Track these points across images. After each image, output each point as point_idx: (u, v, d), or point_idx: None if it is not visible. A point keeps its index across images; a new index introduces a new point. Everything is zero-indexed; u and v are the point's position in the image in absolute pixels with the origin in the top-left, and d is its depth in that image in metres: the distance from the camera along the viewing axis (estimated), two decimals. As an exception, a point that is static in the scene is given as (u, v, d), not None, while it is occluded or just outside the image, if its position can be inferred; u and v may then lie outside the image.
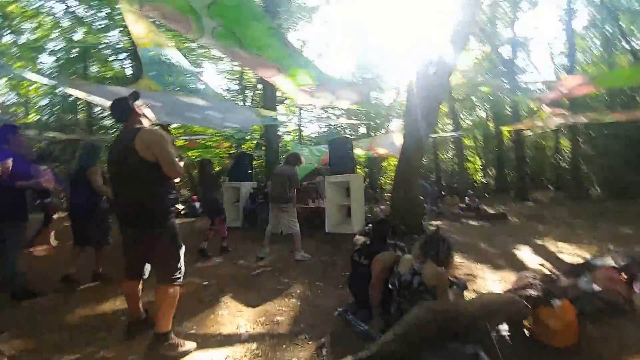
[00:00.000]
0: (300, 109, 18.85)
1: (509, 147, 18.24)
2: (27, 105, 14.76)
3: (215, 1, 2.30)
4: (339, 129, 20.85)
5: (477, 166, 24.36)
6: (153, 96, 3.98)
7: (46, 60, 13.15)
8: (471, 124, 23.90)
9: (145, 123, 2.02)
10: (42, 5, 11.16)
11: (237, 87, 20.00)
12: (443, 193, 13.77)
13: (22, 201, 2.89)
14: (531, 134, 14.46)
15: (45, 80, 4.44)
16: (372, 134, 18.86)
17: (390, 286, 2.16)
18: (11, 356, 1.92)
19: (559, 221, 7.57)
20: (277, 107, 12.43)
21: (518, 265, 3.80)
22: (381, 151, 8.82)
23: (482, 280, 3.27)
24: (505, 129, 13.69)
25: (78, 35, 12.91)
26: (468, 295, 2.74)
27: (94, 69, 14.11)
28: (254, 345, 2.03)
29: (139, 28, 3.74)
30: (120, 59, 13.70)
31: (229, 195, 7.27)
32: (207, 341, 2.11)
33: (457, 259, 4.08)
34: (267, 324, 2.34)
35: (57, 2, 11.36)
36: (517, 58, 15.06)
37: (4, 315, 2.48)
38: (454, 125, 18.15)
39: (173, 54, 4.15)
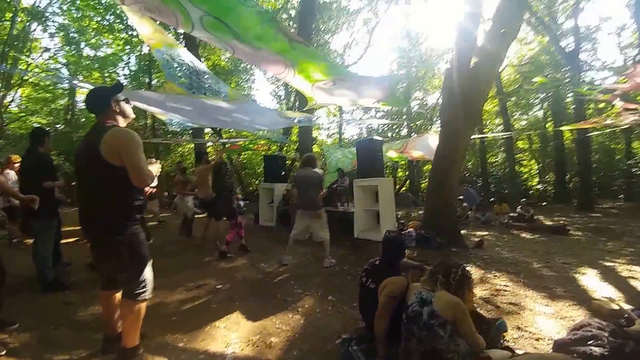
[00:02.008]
0: (342, 112, 18.47)
1: (571, 150, 15.70)
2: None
3: None
4: (379, 131, 19.99)
5: (532, 171, 21.55)
6: (181, 100, 3.86)
7: (119, 72, 14.77)
8: (526, 124, 21.21)
9: (121, 122, 1.78)
10: (114, 22, 12.47)
11: (283, 93, 20.48)
12: (492, 199, 12.32)
13: (50, 200, 2.93)
14: (597, 133, 12.11)
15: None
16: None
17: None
18: (11, 349, 1.89)
19: (633, 238, 6.10)
20: (318, 109, 12.25)
21: (580, 295, 2.97)
22: (416, 154, 7.99)
23: (529, 314, 2.54)
24: (566, 129, 11.65)
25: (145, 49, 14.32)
26: (509, 336, 2.12)
27: (160, 79, 15.48)
28: (234, 372, 1.75)
29: (144, 28, 3.46)
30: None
31: (264, 196, 7.32)
32: (190, 358, 1.88)
33: (502, 281, 3.38)
34: (258, 345, 2.03)
35: (119, 22, 12.62)
36: (582, 51, 12.81)
37: (27, 307, 2.53)
38: (505, 125, 15.98)
39: (184, 55, 3.93)
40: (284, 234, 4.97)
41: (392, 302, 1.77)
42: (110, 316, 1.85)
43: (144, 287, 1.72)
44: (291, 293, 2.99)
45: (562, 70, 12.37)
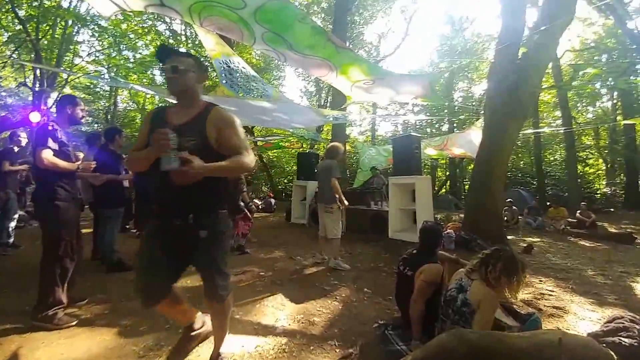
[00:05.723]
0: (375, 108, 18.62)
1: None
2: (142, 112, 18.52)
3: (259, 8, 2.56)
4: (417, 126, 19.77)
5: (600, 171, 19.94)
6: (228, 101, 4.57)
7: (156, 72, 16.19)
8: (593, 116, 19.62)
9: None
10: (152, 24, 13.76)
11: (314, 89, 21.10)
12: (549, 203, 11.77)
13: (117, 190, 3.54)
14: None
15: (142, 89, 5.63)
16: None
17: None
18: (85, 319, 2.36)
19: None
20: (351, 106, 12.62)
21: (633, 304, 2.97)
22: (457, 151, 7.95)
23: (573, 318, 2.64)
24: (634, 122, 10.74)
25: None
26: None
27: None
28: (284, 340, 2.14)
29: (209, 41, 4.31)
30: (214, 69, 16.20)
31: (297, 193, 7.81)
32: (245, 328, 2.32)
33: (547, 286, 3.45)
34: (302, 323, 2.43)
35: (161, 22, 13.89)
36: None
37: (97, 284, 3.07)
38: (565, 118, 14.72)
39: (239, 62, 4.71)
40: (316, 231, 5.44)
41: (427, 288, 2.02)
42: None
43: None
44: (328, 283, 3.38)
45: (633, 55, 11.43)
